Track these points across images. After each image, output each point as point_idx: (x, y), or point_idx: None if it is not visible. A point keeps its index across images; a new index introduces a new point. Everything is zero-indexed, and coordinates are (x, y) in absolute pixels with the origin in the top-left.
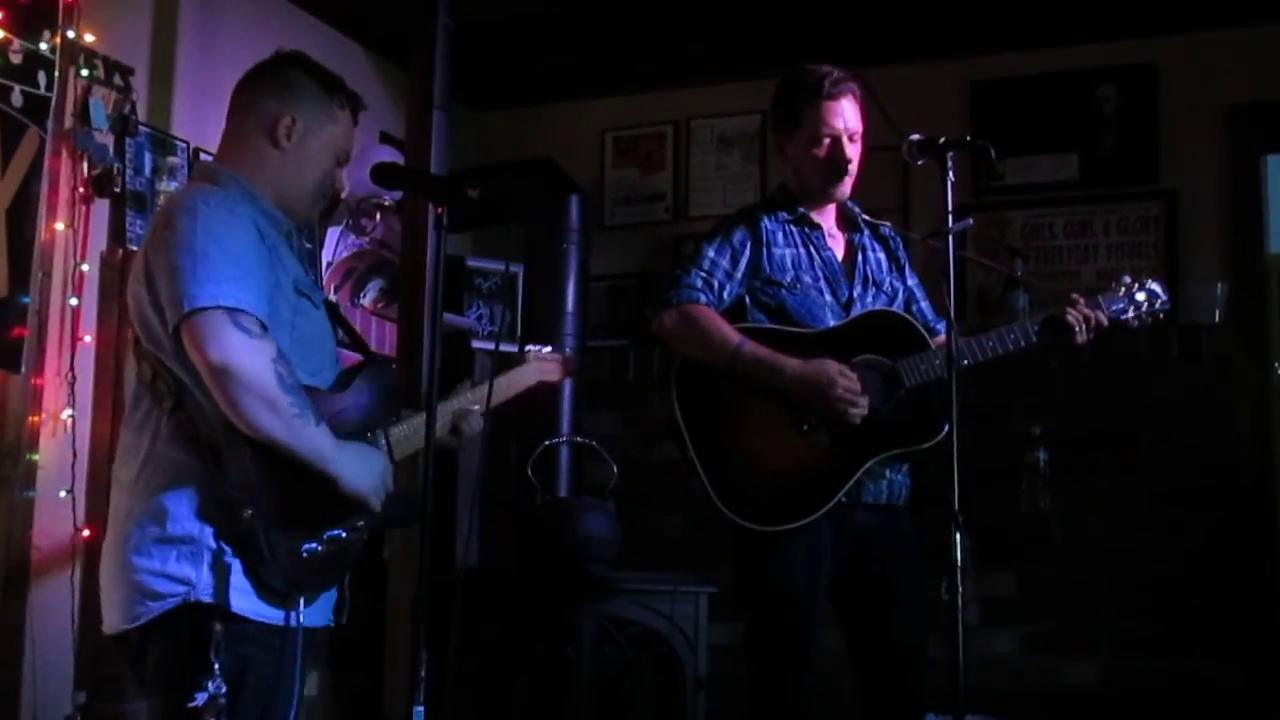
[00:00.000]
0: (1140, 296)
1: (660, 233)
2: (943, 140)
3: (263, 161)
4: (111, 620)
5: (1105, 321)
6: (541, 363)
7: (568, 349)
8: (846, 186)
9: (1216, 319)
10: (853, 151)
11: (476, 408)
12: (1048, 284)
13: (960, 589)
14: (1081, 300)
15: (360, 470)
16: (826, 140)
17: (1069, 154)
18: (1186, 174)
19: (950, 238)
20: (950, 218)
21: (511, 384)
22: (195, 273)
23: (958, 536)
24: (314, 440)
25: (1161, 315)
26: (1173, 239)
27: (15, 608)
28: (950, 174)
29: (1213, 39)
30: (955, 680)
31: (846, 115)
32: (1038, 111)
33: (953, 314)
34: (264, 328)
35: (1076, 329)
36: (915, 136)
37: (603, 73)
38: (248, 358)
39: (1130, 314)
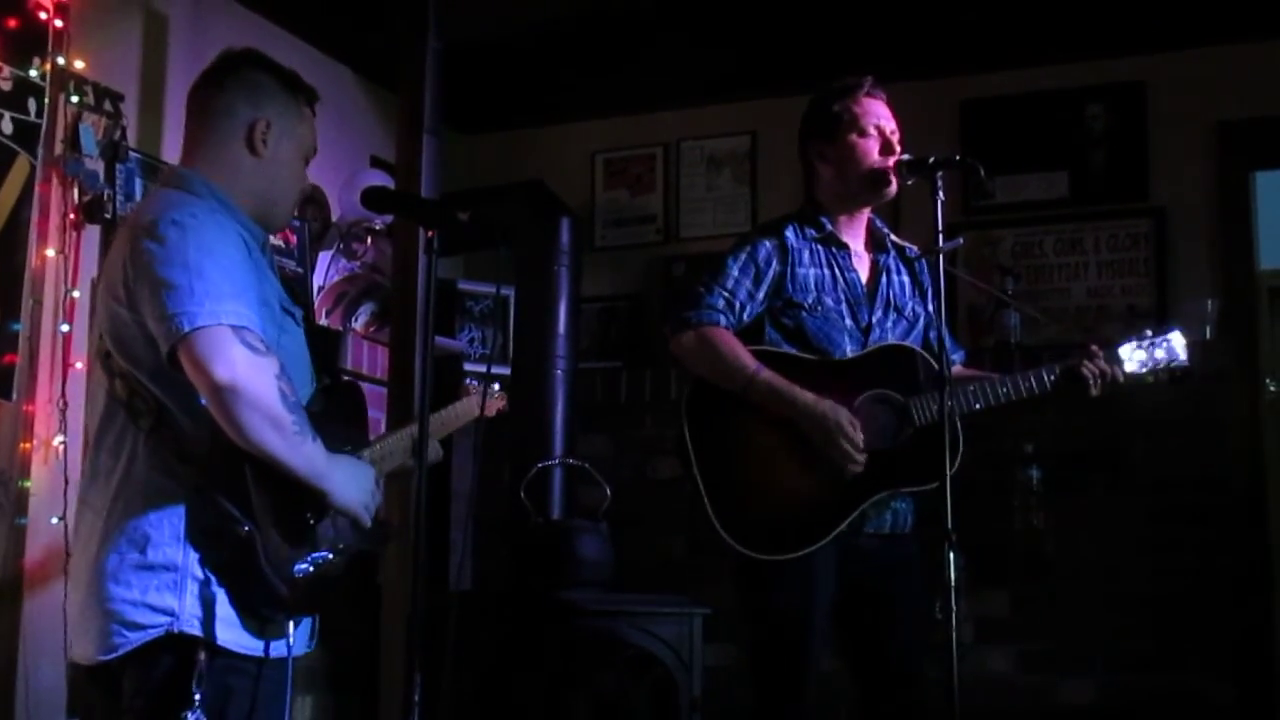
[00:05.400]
0: (1159, 353)
1: (651, 254)
2: (932, 159)
3: (239, 169)
4: (86, 651)
5: (1121, 379)
6: (477, 397)
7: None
8: (891, 190)
9: (1207, 335)
10: (897, 150)
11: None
12: (1038, 303)
13: (954, 608)
14: (1100, 354)
15: (351, 484)
16: (874, 129)
17: (1058, 172)
18: (1176, 191)
19: (941, 257)
20: (941, 237)
21: (456, 417)
22: (193, 290)
23: (951, 555)
24: (309, 456)
25: (1179, 373)
26: (1163, 256)
27: (7, 634)
28: (940, 193)
29: (1201, 56)
30: (950, 699)
31: (887, 114)
32: (1027, 130)
33: (945, 332)
34: (266, 345)
35: (1091, 382)
36: (905, 156)
37: (592, 95)
38: (255, 375)
39: (1147, 368)
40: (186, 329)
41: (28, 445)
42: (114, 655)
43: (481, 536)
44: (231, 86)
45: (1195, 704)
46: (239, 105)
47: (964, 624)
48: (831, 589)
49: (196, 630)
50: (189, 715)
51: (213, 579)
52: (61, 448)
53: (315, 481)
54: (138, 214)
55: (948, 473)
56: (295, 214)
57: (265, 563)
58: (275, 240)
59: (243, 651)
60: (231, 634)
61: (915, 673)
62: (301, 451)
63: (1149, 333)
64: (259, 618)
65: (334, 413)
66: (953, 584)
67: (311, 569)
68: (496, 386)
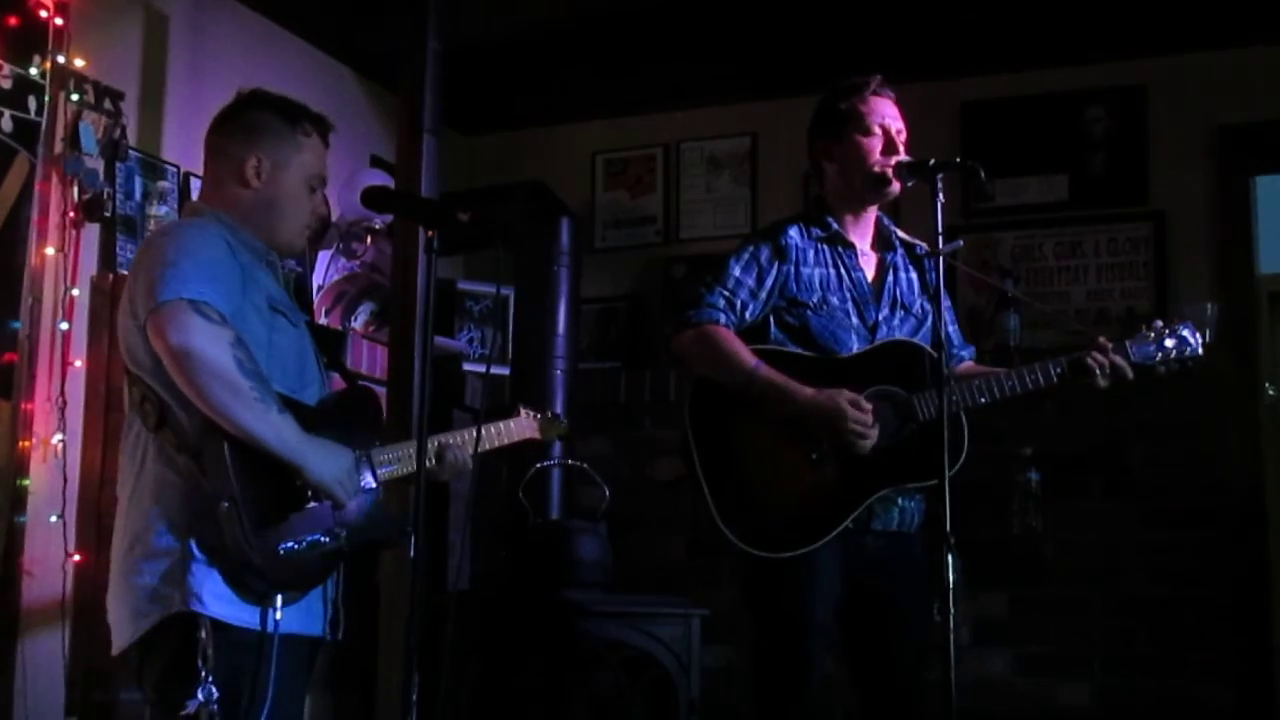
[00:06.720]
0: (1170, 343)
1: (651, 255)
2: (932, 162)
3: (240, 202)
4: (116, 640)
5: (1129, 373)
6: (532, 422)
7: (559, 410)
8: (894, 189)
9: (1206, 339)
10: (901, 151)
11: (457, 440)
12: (1038, 305)
13: (953, 610)
14: (1110, 345)
15: (325, 461)
16: (879, 128)
17: (1059, 175)
18: (1176, 195)
19: (941, 260)
20: (941, 239)
21: (500, 435)
22: (164, 276)
23: (950, 558)
24: (276, 426)
25: (1191, 364)
26: (1162, 260)
27: (6, 633)
28: (940, 195)
29: (1201, 60)
30: (948, 701)
31: (894, 113)
32: (1027, 133)
33: (954, 330)
34: (224, 317)
35: (1098, 373)
36: (905, 158)
37: (592, 96)
38: (207, 341)
39: (1159, 358)
40: (153, 305)
41: (27, 443)
42: (132, 641)
43: (480, 537)
44: (229, 129)
45: (1194, 708)
46: (234, 146)
47: (962, 626)
48: (836, 590)
49: (195, 608)
50: (199, 691)
51: (205, 558)
52: (60, 446)
53: (288, 455)
54: (146, 239)
55: (947, 472)
56: (309, 234)
57: (244, 538)
58: None
59: (240, 624)
60: (229, 609)
61: (917, 678)
62: (267, 420)
63: (1160, 323)
64: (253, 592)
65: (341, 412)
66: (951, 586)
67: (298, 548)
68: (565, 421)
